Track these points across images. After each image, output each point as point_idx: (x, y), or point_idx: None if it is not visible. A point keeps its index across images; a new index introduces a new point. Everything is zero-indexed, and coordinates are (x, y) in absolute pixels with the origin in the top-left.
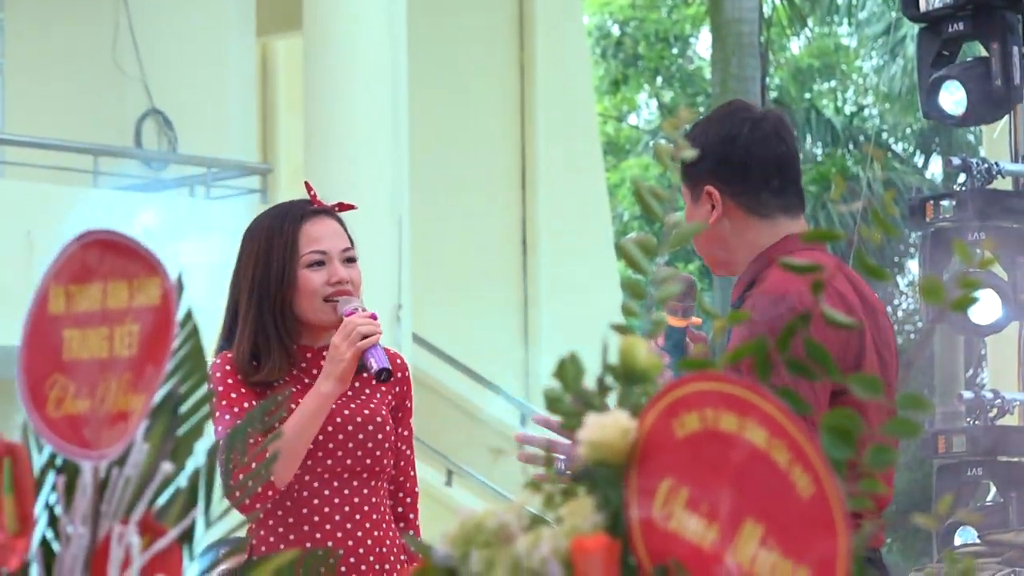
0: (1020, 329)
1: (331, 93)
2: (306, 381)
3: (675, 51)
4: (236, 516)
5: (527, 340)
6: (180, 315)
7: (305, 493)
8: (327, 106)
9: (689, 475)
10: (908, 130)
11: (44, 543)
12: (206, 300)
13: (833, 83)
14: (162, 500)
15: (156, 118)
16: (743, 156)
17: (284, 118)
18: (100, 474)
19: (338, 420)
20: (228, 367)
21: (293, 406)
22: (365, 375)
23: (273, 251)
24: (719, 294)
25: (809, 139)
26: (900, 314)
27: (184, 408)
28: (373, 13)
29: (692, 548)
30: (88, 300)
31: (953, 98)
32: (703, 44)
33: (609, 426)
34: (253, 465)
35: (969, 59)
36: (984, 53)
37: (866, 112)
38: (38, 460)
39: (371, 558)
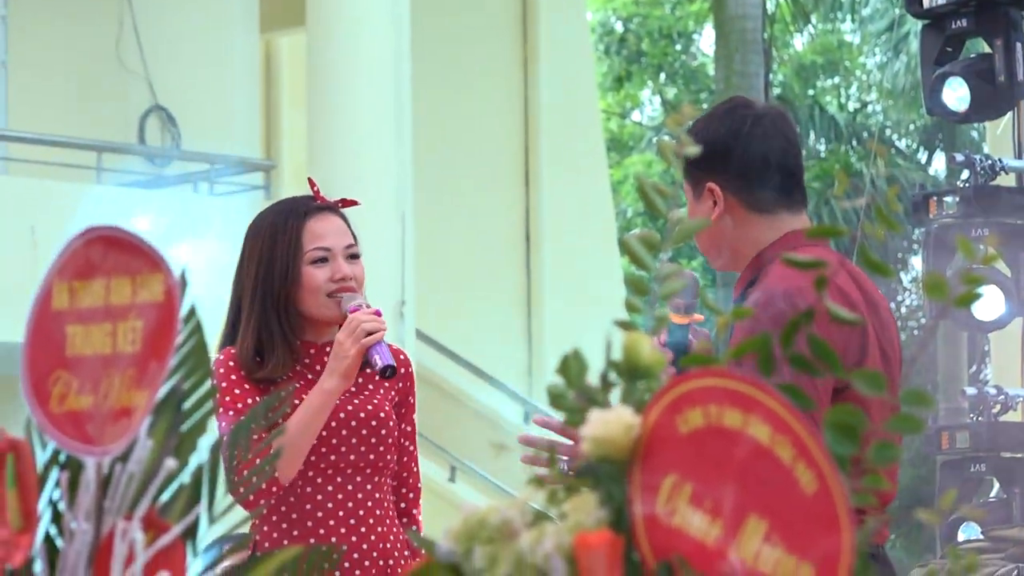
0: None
1: (334, 89)
2: (309, 377)
3: (678, 47)
4: (240, 512)
5: (530, 336)
6: (183, 311)
7: (309, 489)
8: (330, 102)
9: (693, 471)
10: (911, 126)
11: (48, 539)
12: (209, 296)
13: (836, 79)
14: (166, 496)
15: (159, 114)
16: (745, 152)
17: (288, 114)
18: (103, 470)
19: (341, 416)
20: (231, 363)
21: (297, 402)
22: (368, 371)
23: (277, 248)
24: (722, 291)
25: (812, 135)
26: (903, 310)
27: (187, 404)
28: (376, 9)
29: (696, 544)
30: (91, 296)
31: (956, 94)
32: (707, 40)
33: (613, 422)
34: (257, 461)
35: (972, 55)
36: (987, 49)
37: (869, 108)
38: (42, 456)
39: (374, 554)
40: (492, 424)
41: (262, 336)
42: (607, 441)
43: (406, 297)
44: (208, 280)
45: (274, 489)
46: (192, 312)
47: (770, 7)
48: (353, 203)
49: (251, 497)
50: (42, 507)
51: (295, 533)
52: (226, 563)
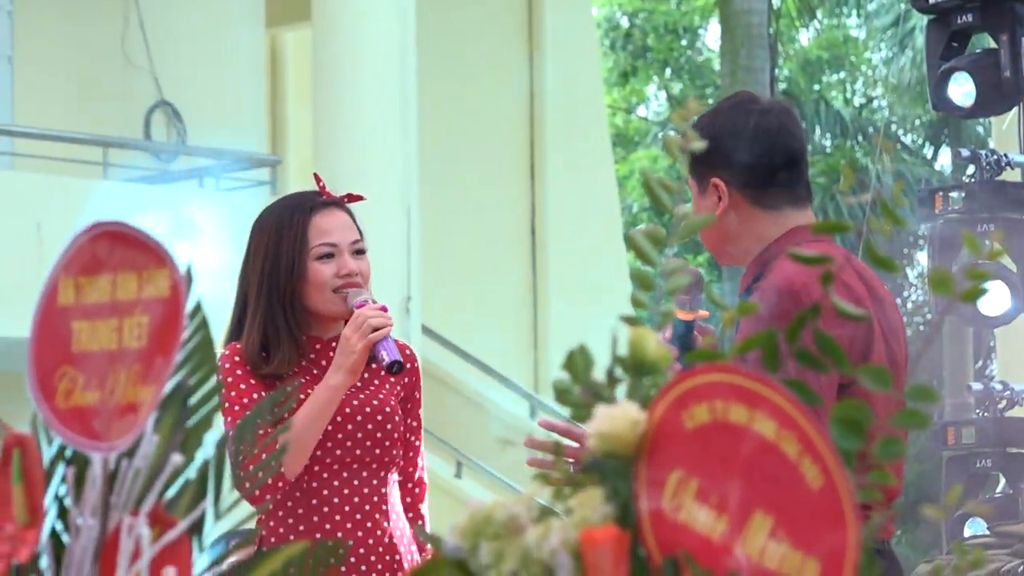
0: None
1: (340, 84)
2: (315, 372)
3: (684, 43)
4: (246, 507)
5: (536, 332)
6: (189, 307)
7: (315, 484)
8: (336, 97)
9: (698, 467)
10: (917, 122)
11: (54, 534)
12: (215, 292)
13: (842, 75)
14: (172, 492)
15: (165, 110)
16: (749, 148)
17: (293, 109)
18: (110, 466)
19: (347, 411)
20: (237, 358)
21: (302, 397)
22: (374, 366)
23: (283, 243)
24: (728, 286)
25: (818, 131)
26: (909, 306)
27: (193, 400)
28: (382, 4)
29: (702, 540)
30: (97, 292)
31: (962, 90)
32: (712, 36)
33: (618, 418)
34: (263, 456)
35: (978, 51)
36: (993, 45)
37: (875, 104)
38: (48, 452)
39: (380, 549)
40: (498, 419)
41: (268, 332)
42: (613, 437)
43: (412, 292)
44: (214, 275)
45: (280, 484)
46: (198, 308)
47: (776, 2)
48: (359, 198)
49: (257, 492)
50: (48, 503)
51: (301, 528)
52: (232, 558)
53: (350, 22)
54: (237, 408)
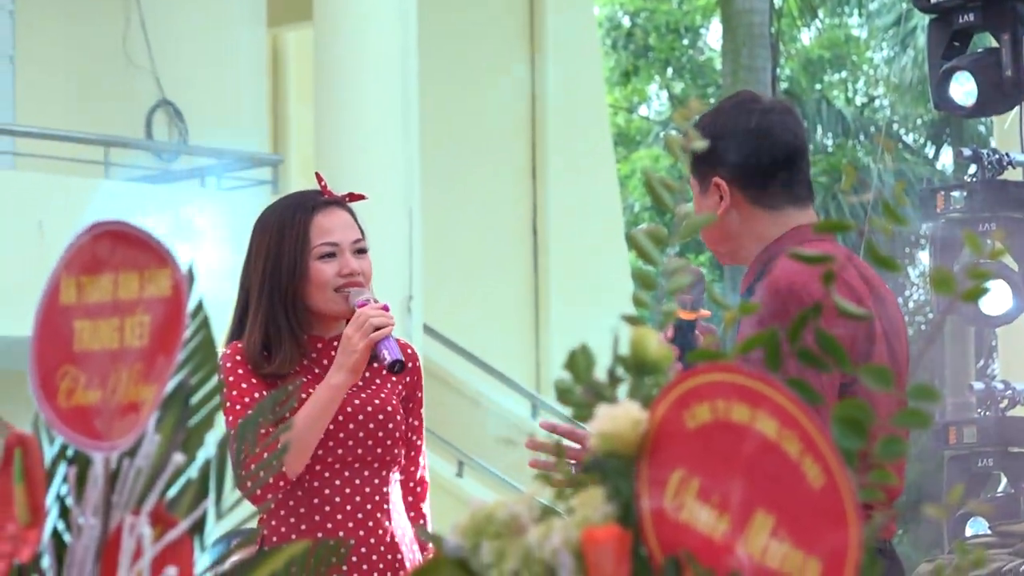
0: None
1: (341, 84)
2: (317, 372)
3: (686, 42)
4: (247, 507)
5: (538, 331)
6: (191, 306)
7: (316, 483)
8: (338, 97)
9: (700, 466)
10: (919, 121)
11: (55, 534)
12: (217, 291)
13: (844, 74)
14: (173, 491)
15: (167, 109)
16: (751, 147)
17: (295, 109)
18: (111, 465)
19: (348, 410)
20: (238, 357)
21: (304, 397)
22: (376, 365)
23: (284, 243)
24: (730, 285)
25: (820, 130)
26: (911, 305)
27: (195, 399)
28: (383, 4)
29: (703, 539)
30: (99, 291)
31: (964, 89)
32: (714, 35)
33: (620, 417)
34: (264, 456)
35: (980, 50)
36: (995, 44)
37: (877, 103)
38: (49, 451)
39: (382, 548)
40: (500, 419)
41: (269, 331)
42: (615, 436)
43: (413, 292)
44: (215, 275)
45: (281, 484)
46: (199, 307)
47: (777, 1)
48: (360, 197)
49: (259, 492)
50: (50, 502)
51: (303, 527)
52: (234, 558)
53: (352, 22)
54: (238, 407)
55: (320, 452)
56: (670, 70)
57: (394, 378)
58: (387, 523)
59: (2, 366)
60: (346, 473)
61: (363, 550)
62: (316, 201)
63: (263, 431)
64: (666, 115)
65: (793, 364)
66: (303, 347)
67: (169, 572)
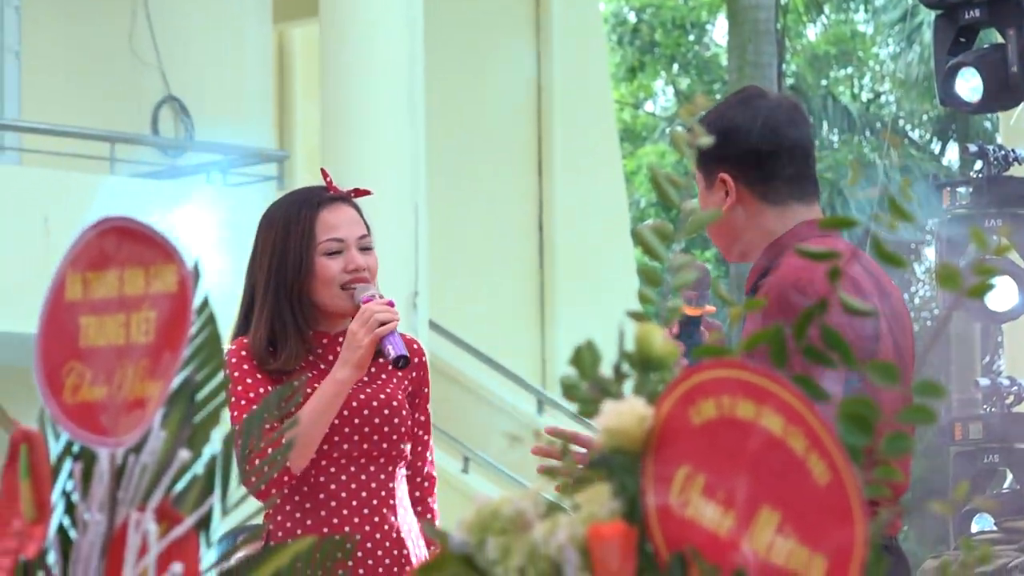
0: None
1: (347, 80)
2: (322, 367)
3: (691, 38)
4: (253, 503)
5: (544, 327)
6: (197, 302)
7: (322, 479)
8: (343, 93)
9: (706, 462)
10: (925, 117)
11: (61, 530)
12: (222, 287)
13: (850, 70)
14: (179, 487)
15: (173, 105)
16: (757, 143)
17: (301, 105)
18: (117, 461)
19: (354, 405)
20: (244, 353)
21: (309, 392)
22: (381, 360)
23: (290, 239)
24: (735, 282)
25: (825, 126)
26: (917, 301)
27: (201, 395)
28: (390, 1)
29: (709, 535)
30: (105, 287)
31: (970, 85)
32: (720, 31)
33: (626, 413)
34: (269, 451)
35: (986, 46)
36: (1000, 40)
37: (883, 99)
38: (55, 447)
39: (388, 543)
40: (506, 415)
41: (275, 327)
42: (620, 432)
43: (419, 287)
44: (221, 270)
45: (287, 479)
46: (205, 303)
47: None
48: (366, 193)
49: (264, 487)
50: (55, 498)
51: (309, 523)
52: (240, 554)
53: (358, 17)
54: (244, 403)
55: (325, 447)
56: (676, 66)
57: (399, 372)
58: (393, 518)
59: (8, 362)
60: (352, 468)
61: (369, 545)
62: (322, 197)
63: (268, 427)
64: (672, 111)
65: (799, 360)
66: (309, 343)
67: (175, 568)
